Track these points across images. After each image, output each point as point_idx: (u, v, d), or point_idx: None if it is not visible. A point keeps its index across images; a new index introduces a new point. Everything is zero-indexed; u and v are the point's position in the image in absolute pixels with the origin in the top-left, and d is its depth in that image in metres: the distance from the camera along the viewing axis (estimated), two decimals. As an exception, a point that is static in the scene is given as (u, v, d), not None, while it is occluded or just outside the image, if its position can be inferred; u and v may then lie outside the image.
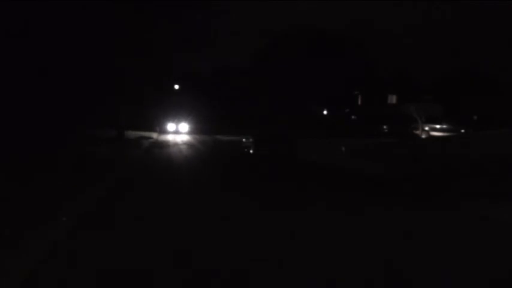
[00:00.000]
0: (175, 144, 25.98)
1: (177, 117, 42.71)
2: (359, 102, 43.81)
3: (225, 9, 35.73)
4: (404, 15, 37.11)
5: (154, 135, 34.28)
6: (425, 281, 4.08)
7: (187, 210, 7.03)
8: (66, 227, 5.46)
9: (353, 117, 42.81)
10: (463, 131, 26.58)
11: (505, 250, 5.26)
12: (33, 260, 4.15)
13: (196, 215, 6.69)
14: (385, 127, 35.06)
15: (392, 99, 42.33)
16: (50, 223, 5.48)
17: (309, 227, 6.16)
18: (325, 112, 45.00)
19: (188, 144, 26.69)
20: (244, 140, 24.20)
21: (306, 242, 5.27)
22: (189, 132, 41.69)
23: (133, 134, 31.16)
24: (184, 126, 42.31)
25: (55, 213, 5.97)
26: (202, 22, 27.71)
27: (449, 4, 34.11)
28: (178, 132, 41.24)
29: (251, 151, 22.30)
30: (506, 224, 6.86)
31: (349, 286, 3.91)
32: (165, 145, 24.85)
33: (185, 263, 4.32)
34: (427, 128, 28.94)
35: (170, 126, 42.20)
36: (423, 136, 27.99)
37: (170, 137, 33.94)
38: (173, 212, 6.86)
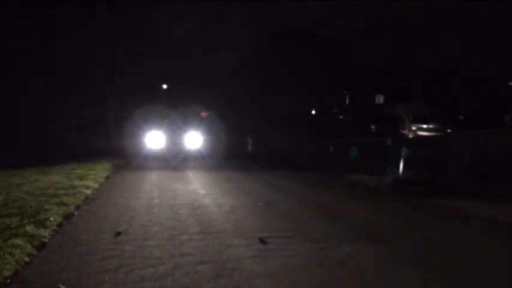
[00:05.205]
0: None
1: (173, 123, 21.02)
2: (347, 102, 44.21)
3: (216, 9, 35.66)
4: (396, 14, 37.42)
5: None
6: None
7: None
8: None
9: (341, 117, 43.21)
10: (449, 130, 27.06)
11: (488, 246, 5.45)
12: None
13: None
14: (372, 127, 35.47)
15: (380, 99, 42.75)
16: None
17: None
18: (313, 112, 45.28)
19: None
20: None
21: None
22: (214, 151, 20.40)
23: None
24: (195, 138, 20.83)
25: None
26: (194, 22, 27.76)
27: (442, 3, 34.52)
28: (179, 153, 19.42)
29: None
30: (487, 220, 7.12)
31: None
32: None
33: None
34: (414, 128, 29.36)
35: (152, 137, 20.00)
36: (410, 136, 28.38)
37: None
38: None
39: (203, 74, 39.90)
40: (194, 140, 20.68)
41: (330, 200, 8.97)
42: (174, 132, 20.61)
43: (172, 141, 20.36)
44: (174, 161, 17.31)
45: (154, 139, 20.02)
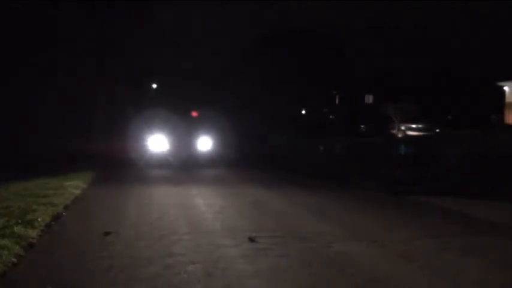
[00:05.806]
0: None
1: (175, 126, 19.23)
2: (337, 102, 44.39)
3: (216, 9, 35.61)
4: (396, 14, 37.72)
5: None
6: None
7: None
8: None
9: (331, 117, 43.37)
10: (437, 130, 27.33)
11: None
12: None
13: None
14: (362, 127, 35.71)
15: (369, 99, 43.02)
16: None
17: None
18: (303, 112, 45.36)
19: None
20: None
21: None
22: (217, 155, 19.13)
23: None
24: (201, 142, 19.33)
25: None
26: (194, 22, 27.70)
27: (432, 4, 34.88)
28: (184, 158, 18.42)
29: None
30: (479, 219, 7.22)
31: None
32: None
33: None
34: (403, 128, 29.60)
35: (154, 140, 18.50)
36: (399, 135, 28.61)
37: None
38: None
39: (203, 74, 39.35)
40: (200, 143, 19.35)
41: (321, 200, 9.05)
42: (177, 135, 19.14)
43: (175, 145, 18.94)
44: (179, 168, 16.13)
45: (156, 143, 18.62)
